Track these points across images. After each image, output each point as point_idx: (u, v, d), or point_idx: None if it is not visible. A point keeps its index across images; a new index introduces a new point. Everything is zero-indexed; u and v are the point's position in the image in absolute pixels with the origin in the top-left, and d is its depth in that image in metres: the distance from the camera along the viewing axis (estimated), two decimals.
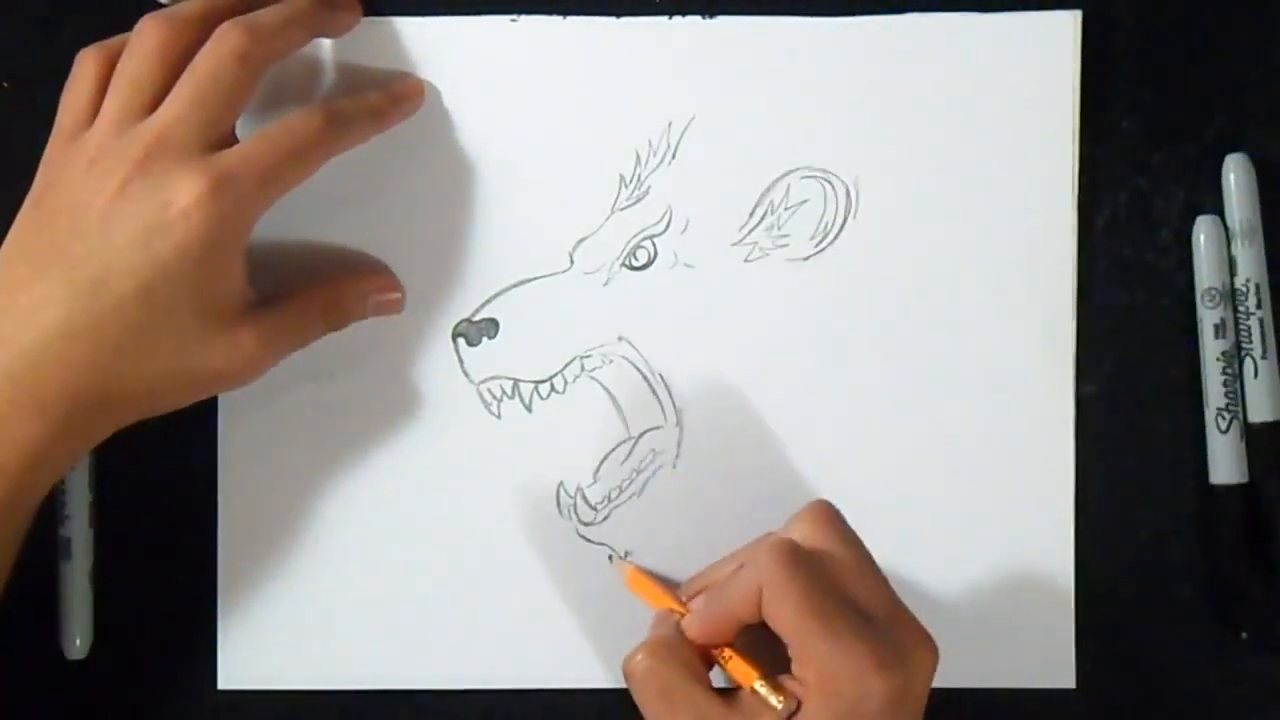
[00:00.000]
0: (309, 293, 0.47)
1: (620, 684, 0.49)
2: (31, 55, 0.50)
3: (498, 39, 0.49)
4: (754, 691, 0.42)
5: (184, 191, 0.42)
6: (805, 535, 0.43)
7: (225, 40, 0.43)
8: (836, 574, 0.42)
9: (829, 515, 0.44)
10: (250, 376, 0.45)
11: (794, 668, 0.41)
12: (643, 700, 0.43)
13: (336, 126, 0.45)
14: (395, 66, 0.49)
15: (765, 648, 0.42)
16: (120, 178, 0.42)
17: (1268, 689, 0.50)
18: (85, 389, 0.42)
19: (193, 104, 0.43)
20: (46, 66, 0.50)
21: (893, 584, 0.49)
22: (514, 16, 0.49)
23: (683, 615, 0.45)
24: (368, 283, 0.49)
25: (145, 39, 0.44)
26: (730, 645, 0.43)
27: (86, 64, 0.45)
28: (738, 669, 0.43)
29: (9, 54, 0.50)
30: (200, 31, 0.44)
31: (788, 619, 0.41)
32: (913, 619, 0.42)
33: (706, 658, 0.44)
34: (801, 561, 0.41)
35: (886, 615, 0.42)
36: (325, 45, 0.49)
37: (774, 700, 0.41)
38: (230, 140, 0.44)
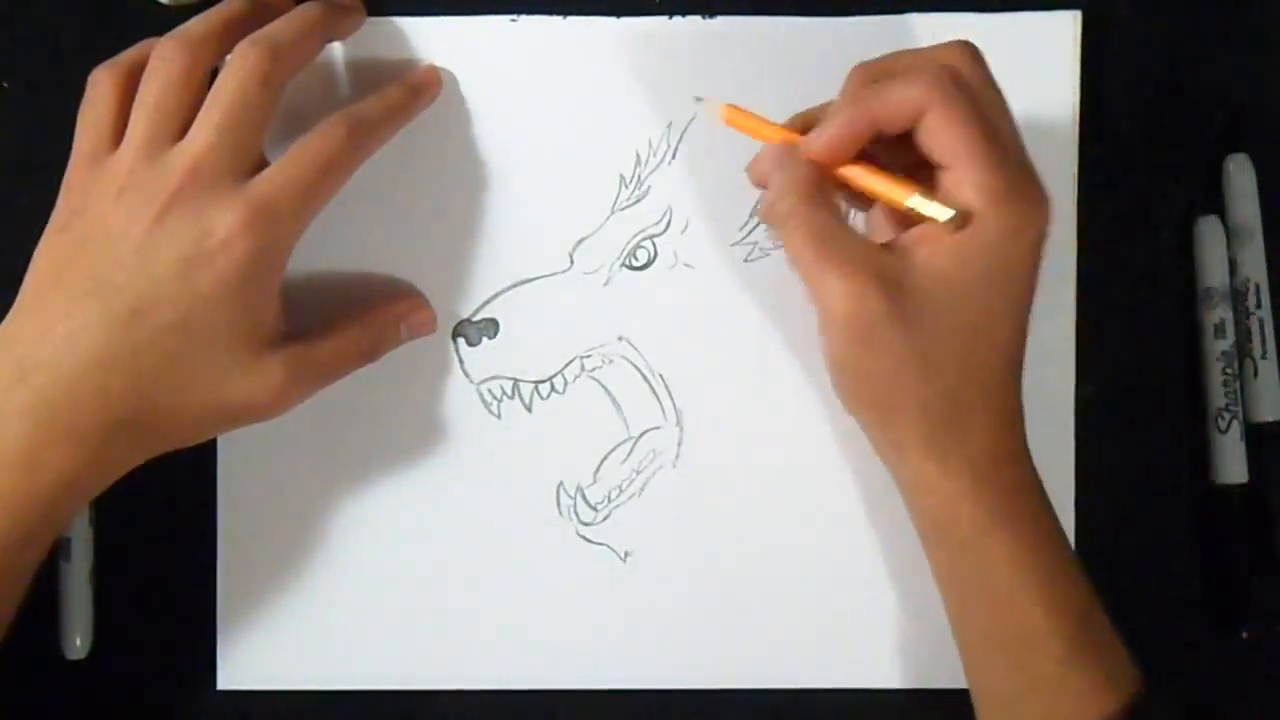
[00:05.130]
0: (345, 333, 0.47)
1: (620, 685, 0.49)
2: (32, 56, 0.50)
3: (498, 39, 0.49)
4: (908, 210, 0.41)
5: (223, 223, 0.42)
6: (962, 67, 0.42)
7: (247, 62, 0.43)
8: (990, 110, 0.41)
9: (978, 54, 0.43)
10: (278, 409, 0.44)
11: (946, 197, 0.41)
12: (791, 246, 0.42)
13: (361, 134, 0.45)
14: (396, 66, 0.49)
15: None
16: (156, 209, 0.42)
17: (1268, 689, 0.50)
18: (120, 419, 0.42)
19: (222, 131, 0.42)
20: (47, 67, 0.50)
21: (894, 580, 0.49)
22: (514, 16, 0.49)
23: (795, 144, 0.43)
24: (399, 307, 0.48)
25: (167, 64, 0.43)
26: (871, 168, 0.42)
27: (102, 84, 0.44)
28: (887, 187, 0.42)
29: (9, 54, 0.50)
30: (218, 49, 0.44)
31: (957, 135, 0.40)
32: (1035, 168, 0.42)
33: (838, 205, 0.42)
34: (968, 87, 0.41)
35: (1024, 158, 0.42)
36: (328, 47, 0.48)
37: (939, 210, 0.40)
38: (260, 162, 0.44)
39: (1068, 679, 0.42)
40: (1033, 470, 0.43)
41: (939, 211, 0.40)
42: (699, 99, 0.47)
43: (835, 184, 0.43)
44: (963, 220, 0.40)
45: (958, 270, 0.40)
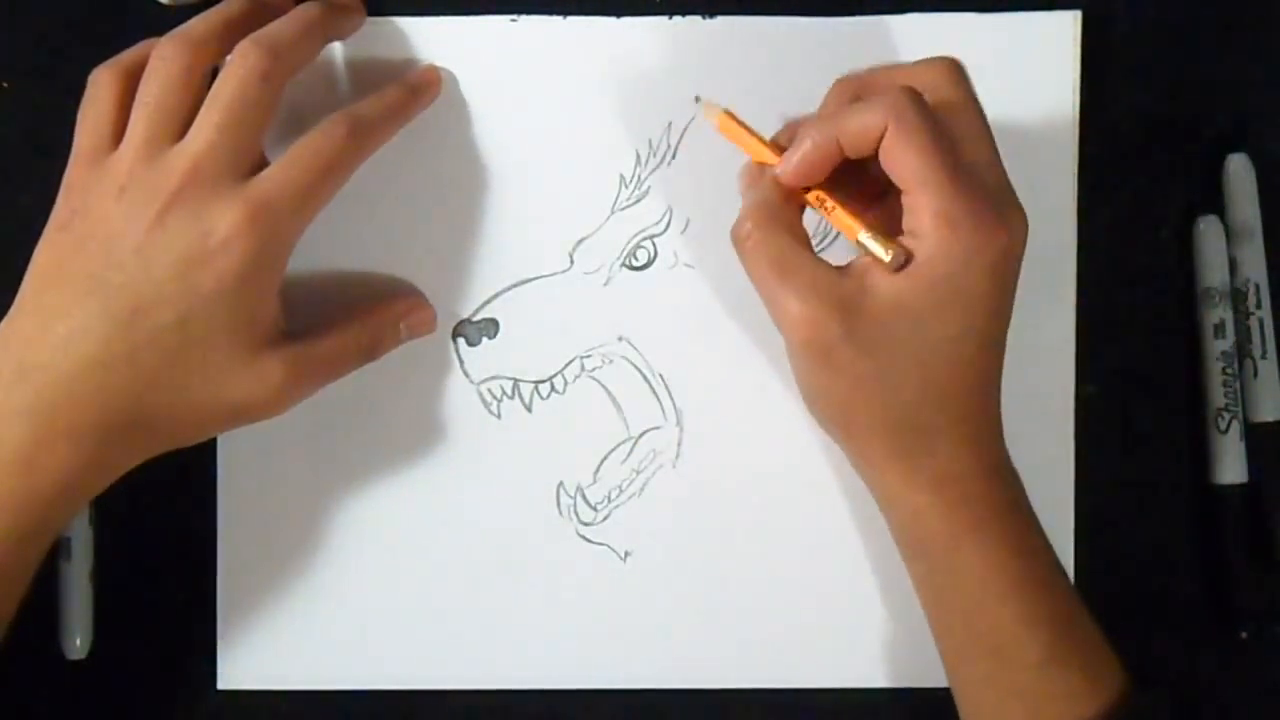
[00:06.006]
0: (344, 332, 0.46)
1: (620, 685, 0.50)
2: (31, 55, 0.50)
3: (498, 39, 0.49)
4: (859, 244, 0.42)
5: (223, 222, 0.42)
6: (933, 85, 0.43)
7: (247, 62, 0.43)
8: (958, 131, 0.42)
9: (959, 72, 0.43)
10: (278, 408, 0.44)
11: (906, 220, 0.42)
12: (751, 269, 0.43)
13: (360, 135, 0.45)
14: (396, 66, 0.49)
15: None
16: (157, 208, 0.42)
17: (1268, 689, 0.50)
18: (119, 419, 0.42)
19: (222, 130, 0.42)
20: (46, 67, 0.50)
21: (892, 584, 0.49)
22: (514, 16, 0.49)
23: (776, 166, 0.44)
24: (399, 306, 0.48)
25: (167, 64, 0.43)
26: (828, 194, 0.43)
27: (102, 84, 0.44)
28: (842, 220, 0.43)
29: (9, 54, 0.50)
30: (218, 48, 0.44)
31: (914, 162, 0.41)
32: (1012, 188, 0.43)
33: (804, 229, 0.44)
34: (930, 110, 0.41)
35: (996, 180, 0.42)
36: (328, 47, 0.48)
37: (882, 251, 0.41)
38: (260, 161, 0.44)
39: (1046, 684, 0.42)
40: (1009, 480, 0.43)
41: (881, 252, 0.41)
42: (698, 99, 0.47)
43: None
44: (903, 260, 0.41)
45: (911, 296, 0.41)
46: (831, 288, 0.41)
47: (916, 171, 0.41)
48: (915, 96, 0.41)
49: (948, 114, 0.42)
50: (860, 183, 0.44)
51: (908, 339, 0.41)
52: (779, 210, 0.43)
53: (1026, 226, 0.42)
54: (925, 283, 0.41)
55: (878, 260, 0.41)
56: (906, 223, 0.41)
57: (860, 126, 0.42)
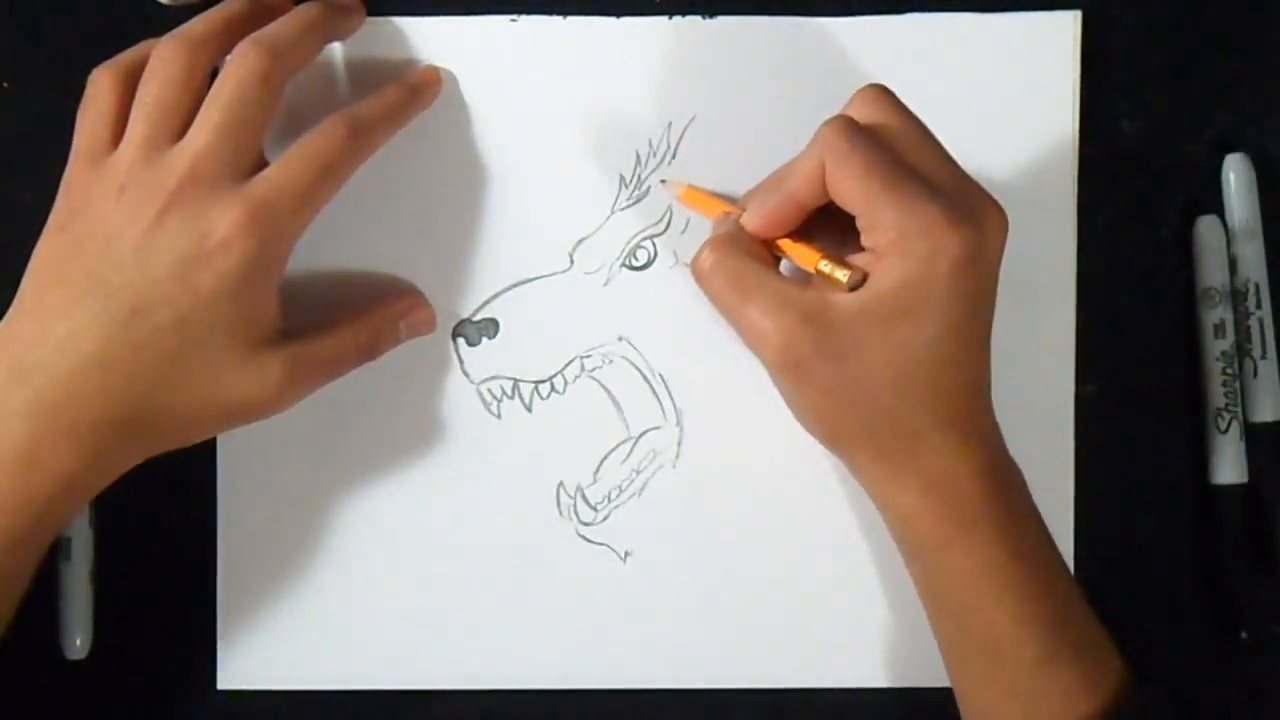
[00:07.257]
0: (344, 331, 0.46)
1: (620, 685, 0.50)
2: (32, 55, 0.50)
3: (498, 39, 0.49)
4: (819, 272, 0.42)
5: (223, 223, 0.42)
6: (862, 115, 0.43)
7: (247, 62, 0.43)
8: (899, 146, 0.42)
9: (883, 94, 0.43)
10: (278, 407, 0.44)
11: (864, 240, 0.42)
12: (715, 294, 0.44)
13: (360, 135, 0.45)
14: (396, 66, 0.49)
15: (829, 238, 0.43)
16: (156, 209, 0.42)
17: (1268, 689, 0.50)
18: (118, 418, 0.42)
19: (221, 130, 0.42)
20: (47, 67, 0.50)
21: (893, 583, 0.49)
22: (514, 16, 0.49)
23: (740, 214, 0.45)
24: (399, 306, 0.48)
25: (167, 64, 0.43)
26: (789, 236, 0.44)
27: (102, 84, 0.44)
28: (799, 253, 0.43)
29: (9, 54, 0.50)
30: (218, 48, 0.44)
31: (854, 187, 0.41)
32: (979, 187, 0.42)
33: (770, 254, 0.44)
34: (862, 132, 0.42)
35: (953, 183, 0.42)
36: (328, 47, 0.48)
37: (839, 274, 0.42)
38: (260, 162, 0.44)
39: (1043, 683, 0.42)
40: (1005, 479, 0.43)
41: (842, 274, 0.42)
42: (663, 181, 0.49)
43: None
44: (860, 280, 0.41)
45: (876, 304, 0.41)
46: (797, 300, 0.42)
47: (857, 193, 0.41)
48: (842, 124, 0.42)
49: (884, 133, 0.42)
50: (835, 225, 0.44)
51: (878, 346, 0.41)
52: (738, 238, 0.44)
53: (1001, 221, 0.42)
54: (889, 292, 0.41)
55: (837, 283, 0.42)
56: (865, 241, 0.42)
57: (803, 175, 0.42)
